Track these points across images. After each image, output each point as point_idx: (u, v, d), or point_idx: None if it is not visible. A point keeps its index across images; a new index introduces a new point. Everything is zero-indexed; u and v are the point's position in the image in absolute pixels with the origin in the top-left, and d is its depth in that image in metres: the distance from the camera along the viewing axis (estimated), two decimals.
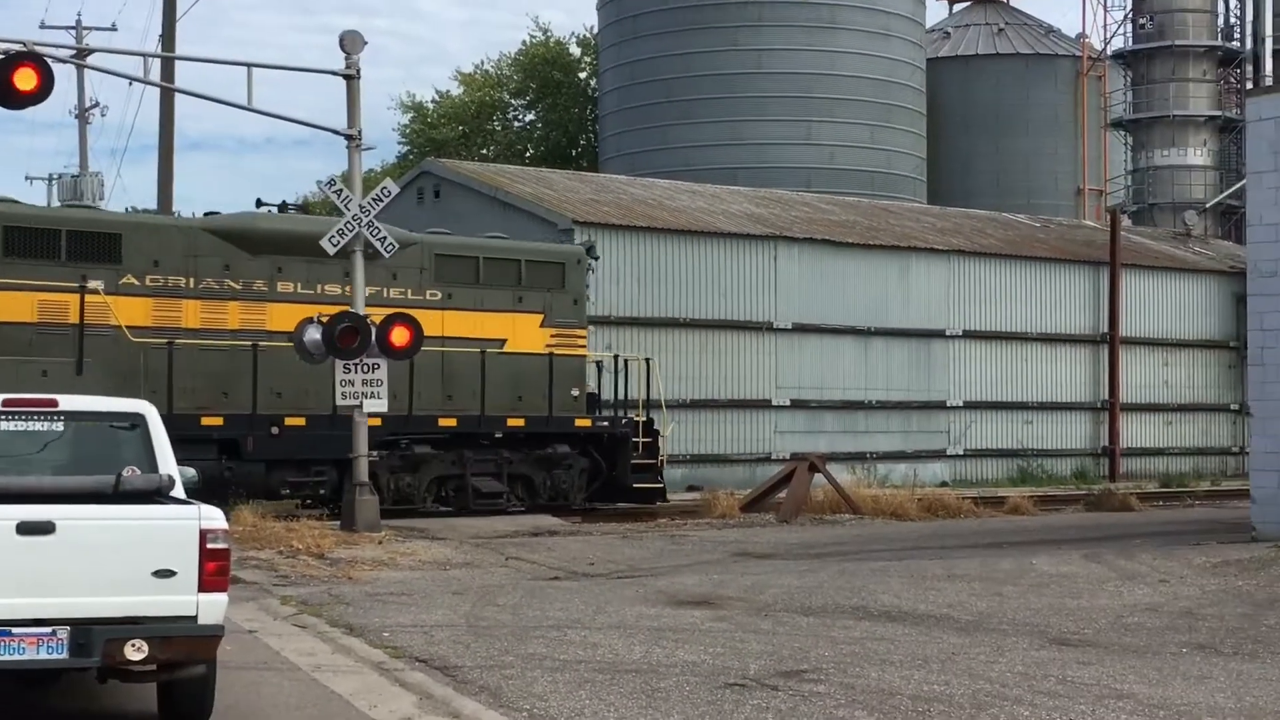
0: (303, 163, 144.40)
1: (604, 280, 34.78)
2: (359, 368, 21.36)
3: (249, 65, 21.99)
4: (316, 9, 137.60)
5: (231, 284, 23.83)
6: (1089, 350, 42.15)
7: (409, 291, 25.07)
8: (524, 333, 26.31)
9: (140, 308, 23.07)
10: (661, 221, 36.20)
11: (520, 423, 25.82)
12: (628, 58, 56.16)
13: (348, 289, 22.52)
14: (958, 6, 68.80)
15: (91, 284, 22.34)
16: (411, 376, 24.26)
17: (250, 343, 23.54)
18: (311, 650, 11.56)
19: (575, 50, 71.44)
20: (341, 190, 21.88)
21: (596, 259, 28.81)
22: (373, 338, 21.17)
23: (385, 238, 21.69)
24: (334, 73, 22.24)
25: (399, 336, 21.35)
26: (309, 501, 24.54)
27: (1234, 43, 59.07)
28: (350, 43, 22.05)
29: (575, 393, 26.69)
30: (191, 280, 23.54)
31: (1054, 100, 62.96)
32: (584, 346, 27.44)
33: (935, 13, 67.87)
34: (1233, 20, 59.82)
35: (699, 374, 35.95)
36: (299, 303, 23.71)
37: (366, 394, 21.41)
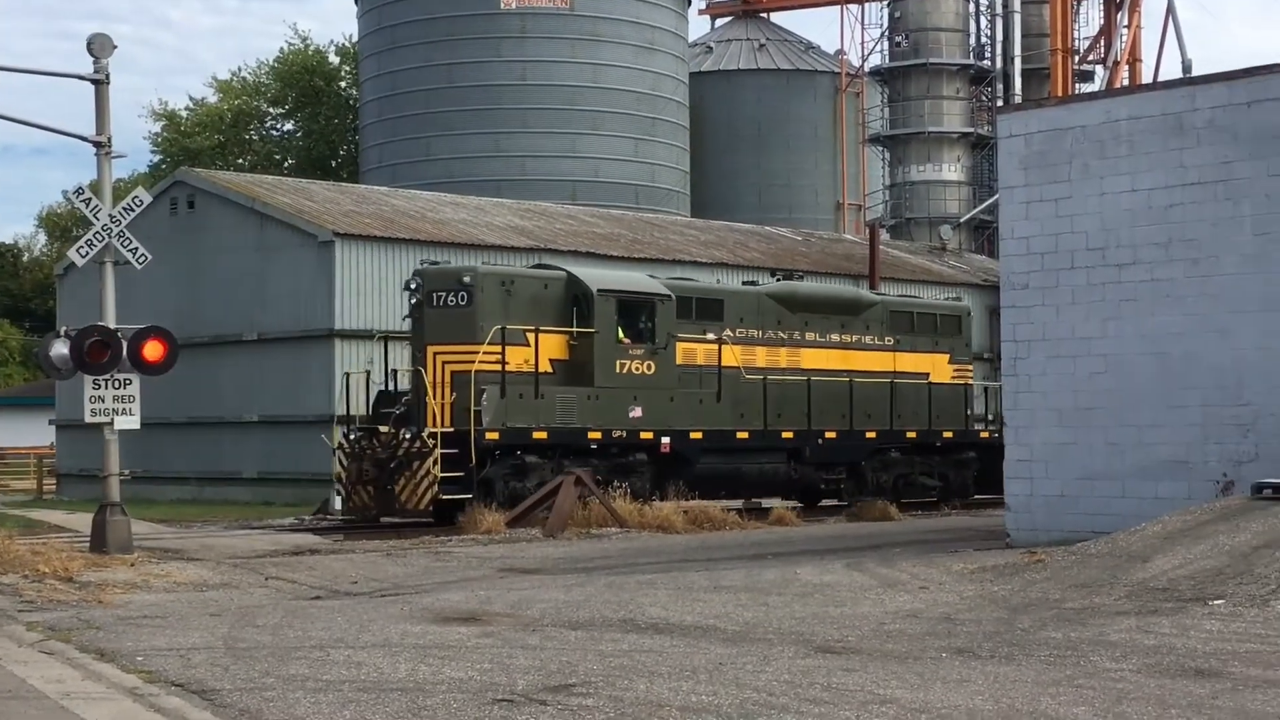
0: (41, 173, 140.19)
1: (365, 294, 34.31)
2: (109, 383, 20.64)
3: None
4: (59, 13, 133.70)
5: (781, 334, 31.34)
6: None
7: (876, 339, 32.99)
8: (940, 368, 34.00)
9: (734, 353, 29.96)
10: (425, 234, 35.85)
11: (950, 435, 33.52)
12: (389, 67, 55.64)
13: (847, 335, 32.44)
14: (720, 21, 69.64)
15: (711, 336, 29.73)
16: (892, 401, 32.41)
17: (803, 377, 31.09)
18: (60, 677, 11.04)
19: (335, 59, 70.50)
20: (90, 199, 21.14)
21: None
22: (124, 352, 20.47)
23: (137, 249, 21.03)
24: (81, 77, 21.50)
25: (152, 351, 20.69)
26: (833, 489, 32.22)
27: (985, 62, 60.83)
28: (99, 46, 21.31)
29: (969, 412, 34.59)
30: (759, 332, 30.93)
31: (814, 116, 64.14)
32: (971, 376, 35.46)
33: (698, 27, 68.63)
34: (984, 40, 61.64)
35: None
36: (820, 348, 32.00)
37: (118, 410, 20.70)
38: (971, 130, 60.10)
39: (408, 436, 25.90)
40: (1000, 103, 58.91)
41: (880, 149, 62.94)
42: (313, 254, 34.48)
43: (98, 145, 21.40)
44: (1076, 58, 58.82)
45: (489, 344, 26.18)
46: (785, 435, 30.74)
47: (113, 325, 20.80)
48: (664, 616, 14.20)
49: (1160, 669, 10.95)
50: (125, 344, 20.51)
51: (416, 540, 24.38)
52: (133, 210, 21.00)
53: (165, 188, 38.84)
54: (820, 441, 31.31)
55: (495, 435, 26.33)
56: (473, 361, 26.09)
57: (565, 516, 25.22)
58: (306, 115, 69.43)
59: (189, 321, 34.69)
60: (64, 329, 21.24)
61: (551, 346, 27.41)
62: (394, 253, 34.83)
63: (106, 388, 20.63)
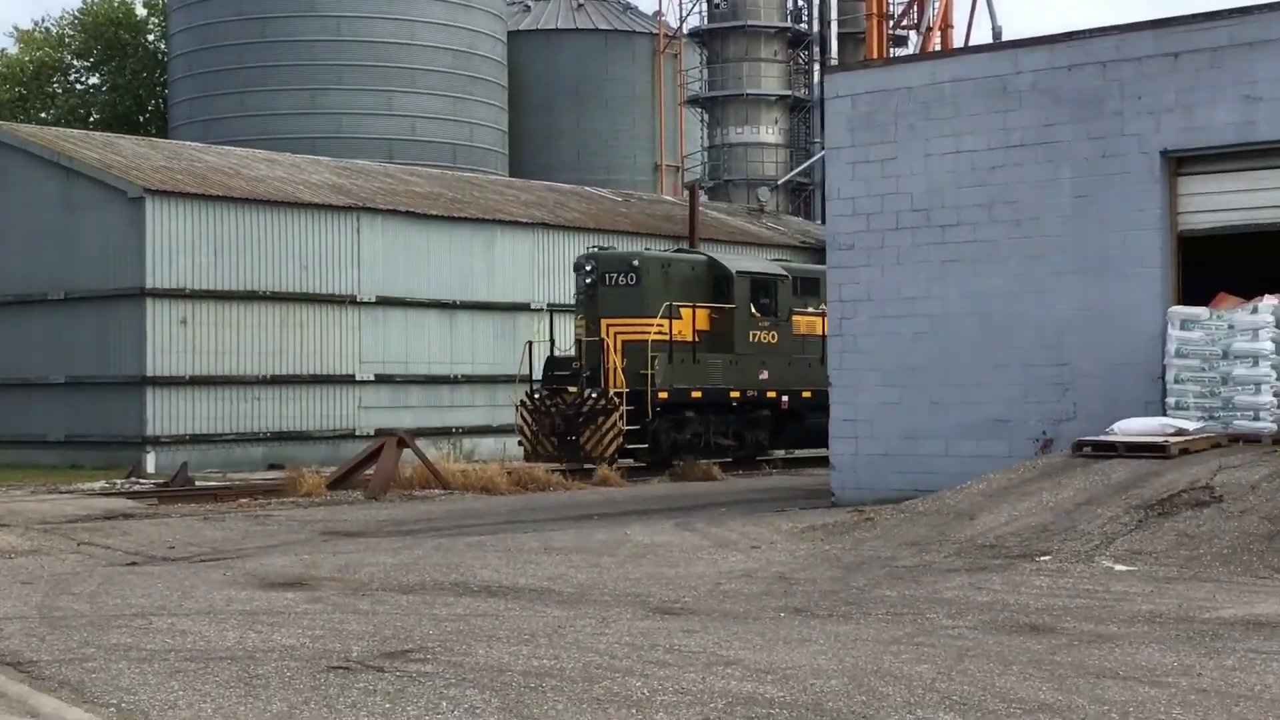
0: None
1: (178, 252, 33.44)
2: None
3: None
4: None
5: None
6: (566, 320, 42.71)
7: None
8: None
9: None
10: (239, 191, 35.01)
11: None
12: (199, 20, 54.29)
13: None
14: None
15: (811, 309, 33.88)
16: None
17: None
18: None
19: (142, 11, 68.58)
20: None
21: None
22: None
23: None
24: None
25: None
26: None
27: (802, 25, 61.15)
28: None
29: None
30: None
31: (632, 76, 64.01)
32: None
33: None
34: (801, 3, 61.92)
35: (280, 349, 35.00)
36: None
37: None
38: (789, 93, 60.42)
39: (593, 395, 30.22)
40: (817, 66, 59.33)
41: (699, 111, 63.03)
42: (122, 210, 33.47)
43: None
44: (891, 22, 59.27)
45: (660, 318, 30.79)
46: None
47: None
48: (496, 579, 13.98)
49: (996, 625, 11.01)
50: None
51: (233, 504, 23.88)
52: None
53: None
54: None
55: (665, 395, 30.91)
56: (642, 332, 30.66)
57: (388, 478, 24.84)
58: (113, 69, 67.44)
59: None
60: None
61: (699, 319, 32.22)
62: (207, 210, 33.94)
63: None
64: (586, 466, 29.37)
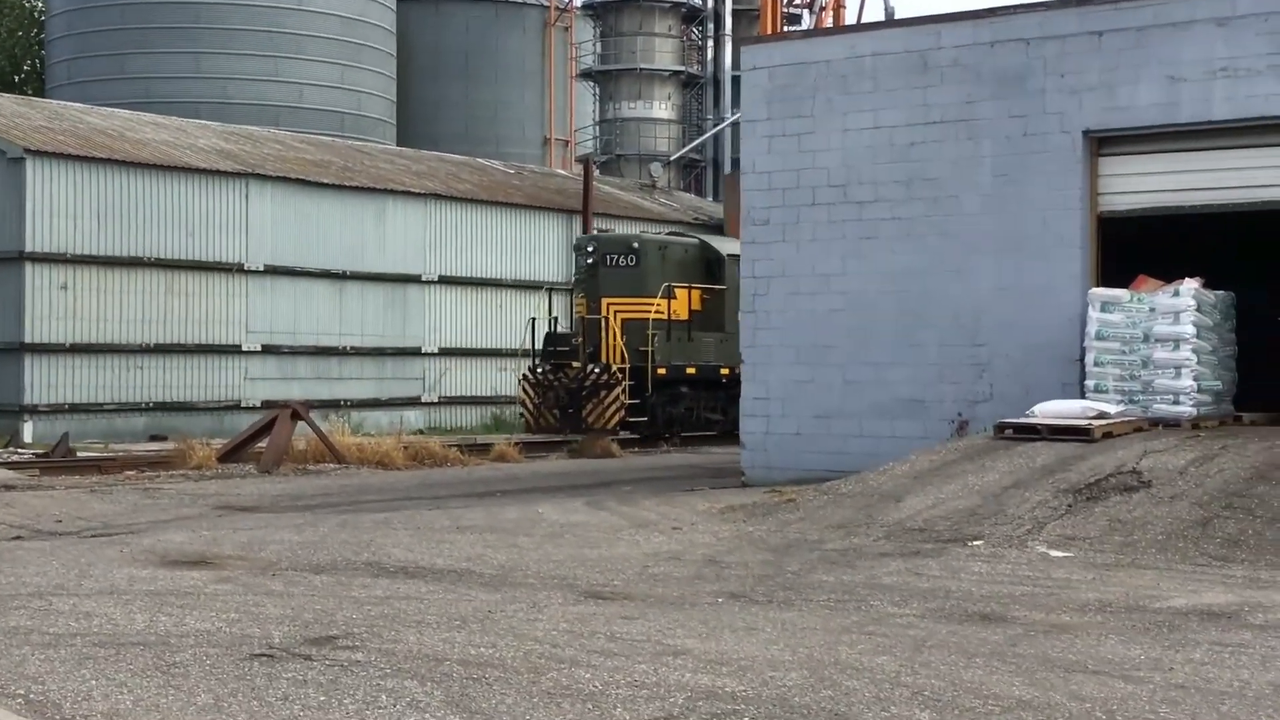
0: None
1: (59, 216, 32.32)
2: None
3: None
4: None
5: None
6: (561, 299, 42.26)
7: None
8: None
9: None
10: (125, 154, 33.90)
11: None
12: None
13: None
14: None
15: None
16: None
17: None
18: None
19: None
20: None
21: None
22: None
23: None
24: None
25: None
26: None
27: (697, 0, 60.69)
28: None
29: None
30: None
31: (522, 49, 63.21)
32: None
33: None
34: None
35: (164, 317, 34.00)
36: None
37: None
38: (683, 69, 59.96)
39: (596, 370, 31.82)
40: (711, 42, 58.93)
41: (591, 85, 62.39)
42: (1, 172, 32.26)
43: None
44: (785, 0, 58.96)
45: (659, 297, 32.43)
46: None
47: None
48: (411, 559, 13.39)
49: (944, 614, 10.61)
50: None
51: (120, 476, 23.03)
52: None
53: None
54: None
55: (663, 371, 32.48)
56: (641, 311, 32.26)
57: (281, 451, 24.08)
58: None
59: None
60: None
61: (694, 299, 33.84)
62: (90, 173, 32.83)
63: None
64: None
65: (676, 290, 33.11)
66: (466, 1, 63.06)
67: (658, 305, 32.42)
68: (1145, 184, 18.97)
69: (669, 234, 36.45)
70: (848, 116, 20.45)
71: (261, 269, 35.66)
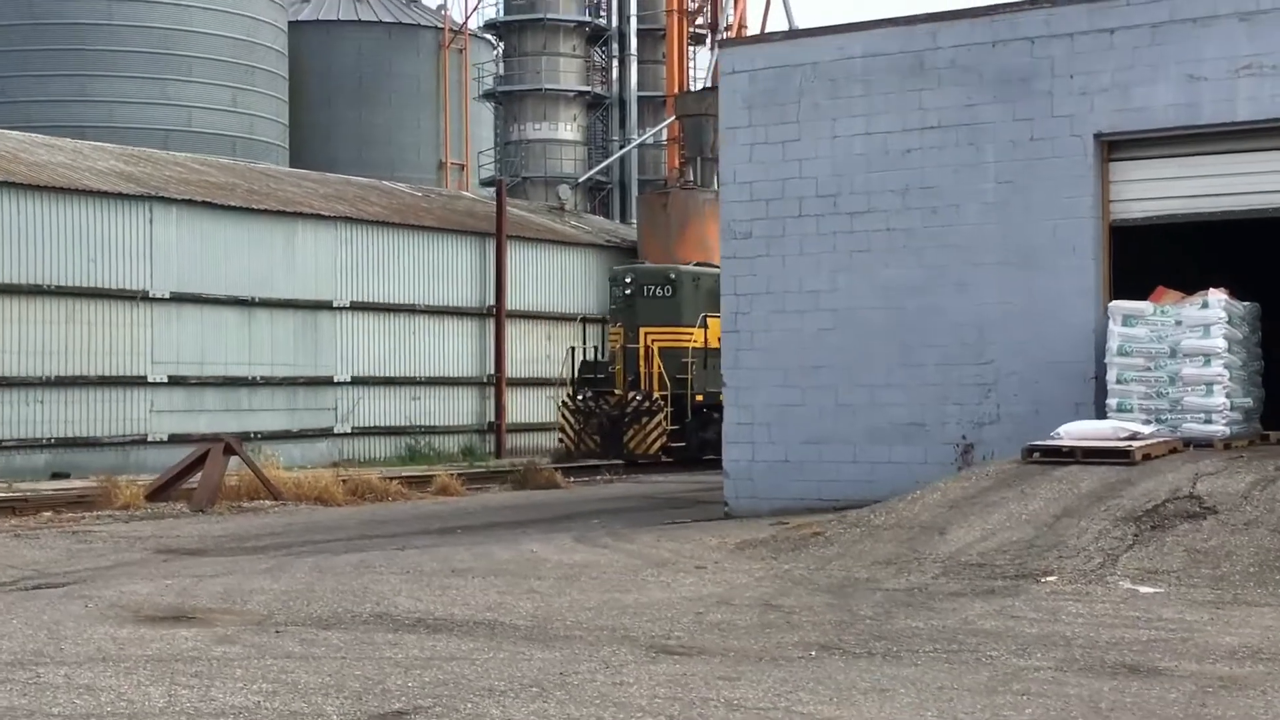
0: None
1: None
2: None
3: None
4: None
5: None
6: (475, 323, 40.62)
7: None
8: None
9: None
10: (21, 176, 31.73)
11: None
12: None
13: None
14: None
15: None
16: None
17: None
18: None
19: None
20: None
21: None
22: None
23: None
24: None
25: None
26: None
27: (601, 19, 59.35)
28: None
29: None
30: None
31: (416, 71, 61.67)
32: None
33: None
34: None
35: (64, 347, 31.84)
36: None
37: None
38: (588, 89, 58.56)
39: (638, 398, 33.09)
40: (616, 62, 57.65)
41: (491, 106, 60.81)
42: None
43: None
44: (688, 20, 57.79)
45: (696, 327, 33.59)
46: None
47: None
48: (422, 609, 11.79)
49: (1085, 666, 9.24)
50: None
51: (38, 518, 21.14)
52: None
53: None
54: None
55: (700, 397, 33.22)
56: (677, 340, 33.53)
57: (214, 488, 22.27)
58: None
59: None
60: None
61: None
62: None
63: None
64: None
65: (709, 320, 33.28)
66: (358, 24, 61.38)
67: (694, 335, 33.53)
68: (1161, 189, 17.85)
69: (698, 265, 36.64)
70: (837, 122, 19.14)
71: (167, 296, 33.60)
